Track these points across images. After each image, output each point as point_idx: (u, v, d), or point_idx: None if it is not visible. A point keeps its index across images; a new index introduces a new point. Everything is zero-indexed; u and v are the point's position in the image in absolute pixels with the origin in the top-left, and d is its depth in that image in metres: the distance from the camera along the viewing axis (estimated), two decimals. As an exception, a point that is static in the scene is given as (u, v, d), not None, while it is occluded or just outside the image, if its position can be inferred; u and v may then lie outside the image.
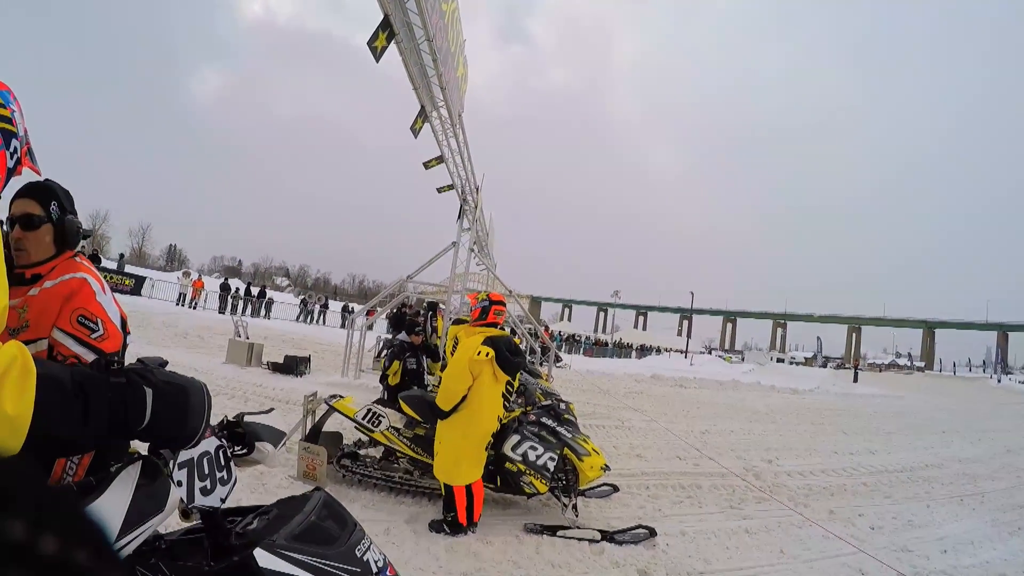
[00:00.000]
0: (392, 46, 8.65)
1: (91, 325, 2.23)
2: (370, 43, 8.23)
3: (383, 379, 9.68)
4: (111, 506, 1.25)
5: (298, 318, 35.71)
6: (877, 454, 11.97)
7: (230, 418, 2.33)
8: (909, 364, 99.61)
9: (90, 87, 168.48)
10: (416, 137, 11.48)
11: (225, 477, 1.61)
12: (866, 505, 8.06)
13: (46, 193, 2.33)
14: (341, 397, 6.83)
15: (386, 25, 8.18)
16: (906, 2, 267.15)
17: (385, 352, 9.62)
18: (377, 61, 8.42)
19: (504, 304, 6.21)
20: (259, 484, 5.90)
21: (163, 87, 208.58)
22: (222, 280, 40.93)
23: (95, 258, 25.28)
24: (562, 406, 7.68)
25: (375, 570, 1.68)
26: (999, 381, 61.38)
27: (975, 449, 14.07)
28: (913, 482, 9.72)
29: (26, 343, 1.51)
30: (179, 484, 1.44)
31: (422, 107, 11.12)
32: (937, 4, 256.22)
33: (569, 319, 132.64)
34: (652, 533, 5.78)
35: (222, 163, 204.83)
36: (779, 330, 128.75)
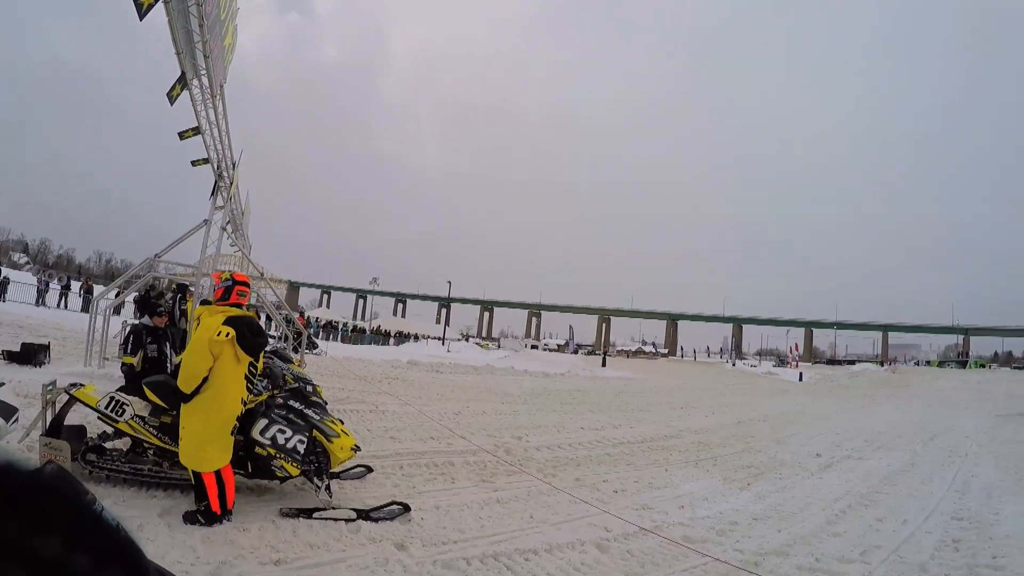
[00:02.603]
0: (160, 5, 8.09)
1: None
2: (135, -3, 7.62)
3: (125, 367, 8.98)
4: None
5: (37, 301, 31.86)
6: (620, 428, 13.11)
7: None
8: (654, 350, 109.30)
9: None
10: (172, 104, 10.76)
11: None
12: (610, 472, 8.85)
13: None
14: (82, 385, 6.28)
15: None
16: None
17: (129, 337, 8.96)
18: (140, 19, 7.84)
19: (248, 285, 6.10)
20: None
21: None
22: None
23: None
24: (309, 388, 7.61)
25: None
26: (733, 365, 71.63)
27: (709, 421, 15.92)
28: (653, 451, 10.79)
29: None
30: None
31: (183, 73, 10.48)
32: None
33: (328, 305, 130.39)
34: (406, 509, 5.97)
35: None
36: (534, 319, 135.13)
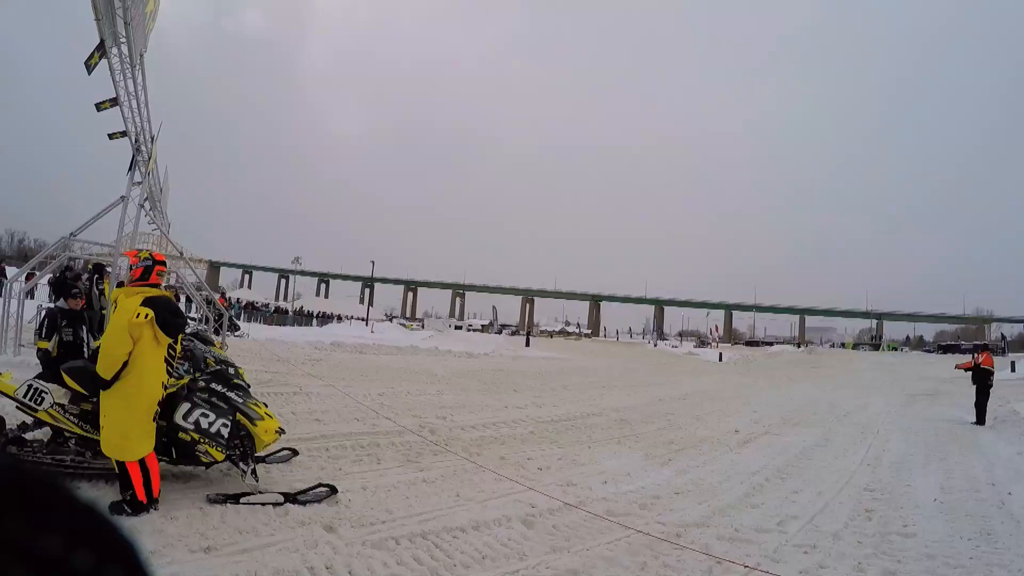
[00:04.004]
0: None
1: None
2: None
3: (40, 352, 8.68)
4: None
5: None
6: (544, 407, 13.34)
7: None
8: (577, 331, 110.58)
9: None
10: (90, 73, 10.36)
11: None
12: (534, 450, 9.04)
13: None
14: None
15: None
16: None
17: (44, 321, 8.65)
18: None
19: (166, 264, 5.96)
20: None
21: None
22: None
23: None
24: (231, 371, 7.52)
25: None
26: (655, 345, 73.30)
27: (631, 399, 16.29)
28: (576, 428, 11.02)
29: None
30: None
31: (101, 41, 10.06)
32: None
33: (249, 286, 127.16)
34: (334, 491, 6.01)
35: None
36: (458, 299, 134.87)
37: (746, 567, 5.10)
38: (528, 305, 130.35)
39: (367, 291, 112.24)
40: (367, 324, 55.55)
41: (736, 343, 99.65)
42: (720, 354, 53.06)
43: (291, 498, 5.74)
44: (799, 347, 78.93)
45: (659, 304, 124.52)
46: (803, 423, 13.85)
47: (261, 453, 6.44)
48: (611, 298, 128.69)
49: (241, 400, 6.26)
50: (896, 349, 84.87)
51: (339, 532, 5.13)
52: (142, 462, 5.19)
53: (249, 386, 7.44)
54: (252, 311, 54.46)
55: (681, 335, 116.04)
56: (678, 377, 27.37)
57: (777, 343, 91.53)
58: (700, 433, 11.53)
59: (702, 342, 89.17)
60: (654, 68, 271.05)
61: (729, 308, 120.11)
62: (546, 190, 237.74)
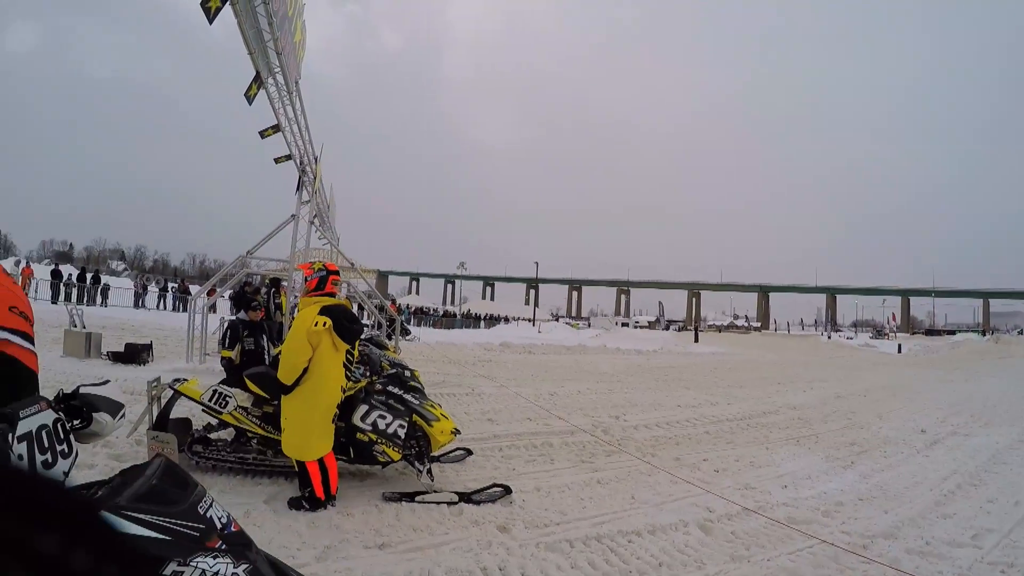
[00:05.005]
0: (227, 8, 8.27)
1: None
2: (203, 3, 7.85)
3: (224, 360, 9.26)
4: None
5: (136, 304, 33.40)
6: (718, 405, 12.81)
7: (66, 391, 2.17)
8: (746, 324, 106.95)
9: None
10: (251, 104, 11.01)
11: (65, 451, 1.57)
12: (710, 451, 8.63)
13: None
14: (185, 380, 6.49)
15: (220, -15, 7.85)
16: None
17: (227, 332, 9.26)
18: (211, 22, 8.04)
19: (339, 274, 6.13)
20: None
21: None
22: (53, 267, 37.69)
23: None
24: (407, 374, 7.68)
25: (219, 526, 1.65)
26: (829, 337, 69.08)
27: (808, 396, 15.37)
28: (753, 428, 10.48)
29: None
30: (20, 458, 1.38)
31: (257, 73, 10.69)
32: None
33: (417, 292, 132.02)
34: (508, 491, 5.94)
35: (37, 137, 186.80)
36: (623, 297, 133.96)
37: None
38: (694, 299, 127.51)
39: (532, 292, 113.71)
40: (534, 324, 56.31)
41: (915, 332, 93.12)
42: (899, 345, 49.68)
43: (465, 498, 5.74)
44: (983, 335, 72.39)
45: (831, 292, 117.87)
46: (994, 422, 12.44)
47: (436, 453, 6.51)
48: (779, 288, 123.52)
49: (417, 402, 6.36)
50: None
51: (513, 533, 5.05)
52: (320, 461, 5.35)
53: (423, 386, 7.58)
54: (421, 316, 56.39)
55: (855, 325, 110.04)
56: (856, 371, 25.62)
57: (959, 331, 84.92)
58: (883, 433, 10.63)
59: (878, 332, 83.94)
60: (814, 48, 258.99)
61: (906, 294, 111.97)
62: (704, 180, 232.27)
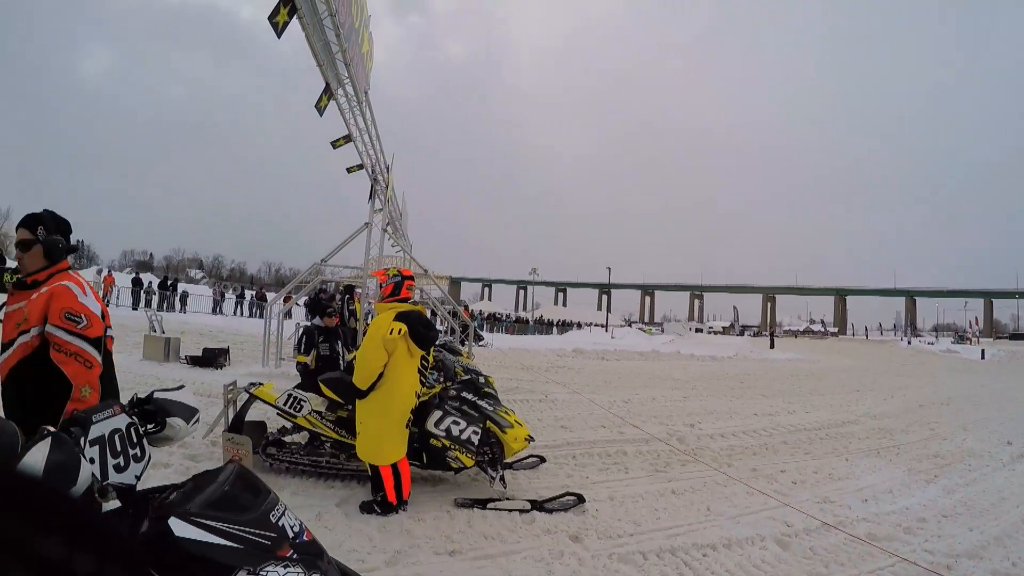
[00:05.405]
0: (294, 22, 8.45)
1: (76, 319, 3.14)
2: (271, 18, 8.05)
3: (299, 365, 9.44)
4: None
5: (214, 311, 34.57)
6: (795, 414, 12.47)
7: (140, 396, 2.23)
8: (823, 329, 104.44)
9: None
10: (321, 115, 11.23)
11: (138, 455, 1.62)
12: (787, 462, 8.39)
13: (34, 220, 3.29)
14: (261, 384, 6.64)
15: (288, -1, 8.01)
16: None
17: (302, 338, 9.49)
18: (279, 36, 8.23)
19: (414, 279, 6.17)
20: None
21: (42, 74, 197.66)
22: (133, 275, 39.49)
23: None
24: (481, 380, 7.69)
25: (291, 535, 1.66)
26: (908, 343, 66.89)
27: (888, 405, 14.81)
28: (831, 438, 10.16)
29: (23, 333, 3.10)
30: (91, 461, 1.41)
31: (327, 84, 10.90)
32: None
33: (489, 298, 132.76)
34: (581, 500, 5.88)
35: (118, 152, 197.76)
36: (696, 301, 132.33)
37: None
38: (769, 303, 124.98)
39: (604, 297, 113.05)
40: (607, 330, 55.86)
41: (999, 336, 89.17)
42: (982, 351, 47.42)
43: (538, 506, 5.70)
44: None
45: (910, 296, 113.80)
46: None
47: (509, 460, 6.50)
48: (857, 291, 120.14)
49: (491, 408, 6.35)
50: None
51: (585, 543, 4.98)
52: (394, 466, 5.38)
53: (497, 393, 7.58)
54: (494, 322, 56.51)
55: (936, 330, 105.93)
56: (937, 378, 24.53)
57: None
58: (967, 445, 10.13)
59: (960, 337, 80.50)
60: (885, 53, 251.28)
61: (989, 296, 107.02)
62: (781, 183, 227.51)
